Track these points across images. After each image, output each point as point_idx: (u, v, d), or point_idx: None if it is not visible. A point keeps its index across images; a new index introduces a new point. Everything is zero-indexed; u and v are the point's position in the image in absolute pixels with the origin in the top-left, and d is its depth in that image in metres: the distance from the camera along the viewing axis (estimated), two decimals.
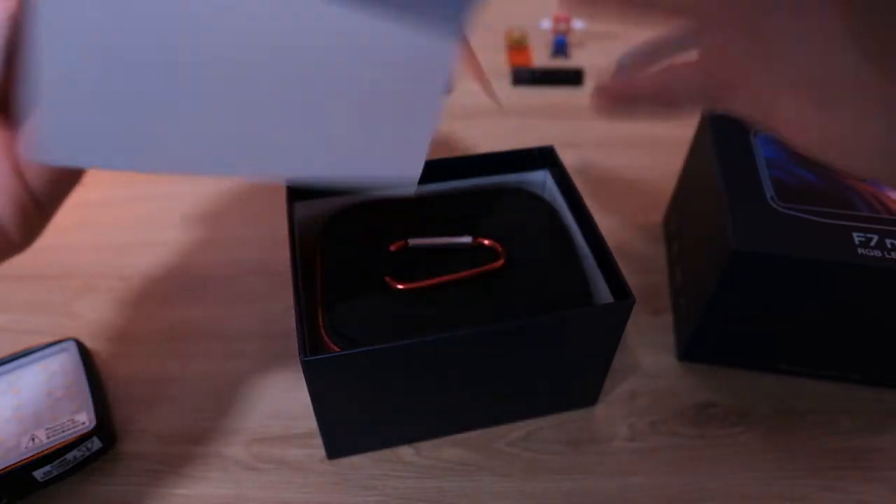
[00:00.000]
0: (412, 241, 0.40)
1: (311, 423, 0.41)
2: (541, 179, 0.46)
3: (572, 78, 0.70)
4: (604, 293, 0.38)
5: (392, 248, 0.40)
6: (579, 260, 0.40)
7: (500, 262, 0.39)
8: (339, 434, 0.38)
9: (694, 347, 0.44)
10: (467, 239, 0.40)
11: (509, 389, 0.38)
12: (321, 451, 0.40)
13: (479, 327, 0.33)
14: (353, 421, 0.37)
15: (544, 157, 0.45)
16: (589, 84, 0.70)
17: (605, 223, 0.55)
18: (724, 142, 0.44)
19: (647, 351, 0.46)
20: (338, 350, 0.34)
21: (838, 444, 0.41)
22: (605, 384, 0.44)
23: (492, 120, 0.66)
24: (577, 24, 0.74)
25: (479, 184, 0.45)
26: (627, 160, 0.61)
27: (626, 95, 0.29)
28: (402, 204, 0.43)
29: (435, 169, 0.44)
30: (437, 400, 0.38)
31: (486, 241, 0.40)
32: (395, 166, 0.29)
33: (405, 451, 0.40)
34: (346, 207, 0.43)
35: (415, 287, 0.37)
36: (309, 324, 0.37)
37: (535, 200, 0.44)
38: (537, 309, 0.37)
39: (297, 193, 0.42)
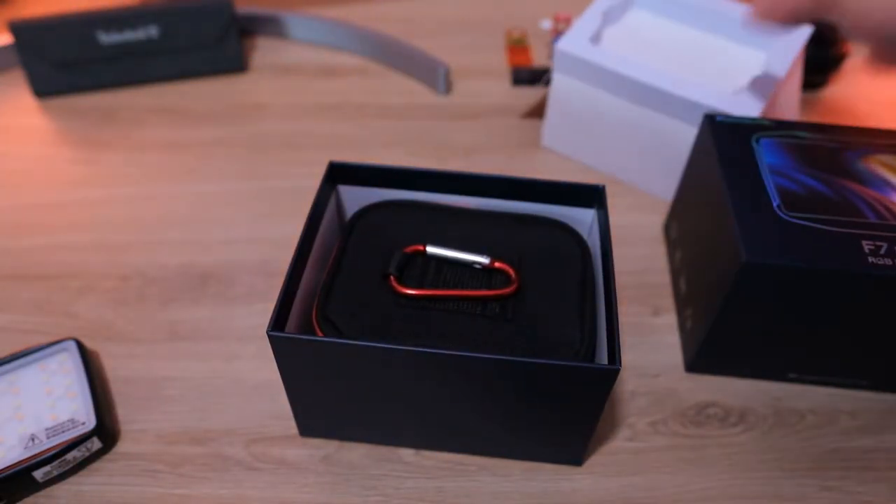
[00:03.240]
0: (430, 249, 0.39)
1: None
2: (589, 219, 0.43)
3: None
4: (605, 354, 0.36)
5: (407, 250, 0.39)
6: (594, 309, 0.38)
7: (510, 290, 0.37)
8: (308, 413, 0.38)
9: (702, 359, 0.44)
10: (485, 259, 0.39)
11: (478, 423, 0.37)
12: (321, 452, 0.40)
13: (438, 349, 0.32)
14: (321, 403, 0.37)
15: (594, 196, 0.42)
16: None
17: None
18: (726, 148, 0.43)
19: (648, 351, 0.46)
20: (320, 335, 0.34)
21: (838, 444, 0.41)
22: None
23: (492, 120, 0.66)
24: None
25: (523, 208, 0.44)
26: None
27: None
28: (437, 211, 0.42)
29: (480, 184, 0.42)
30: (397, 409, 0.37)
31: (502, 265, 0.39)
32: None
33: (405, 451, 0.40)
34: (380, 203, 0.43)
35: (415, 294, 0.37)
36: (308, 305, 0.38)
37: (573, 239, 0.41)
38: (525, 347, 0.35)
39: (339, 177, 0.42)
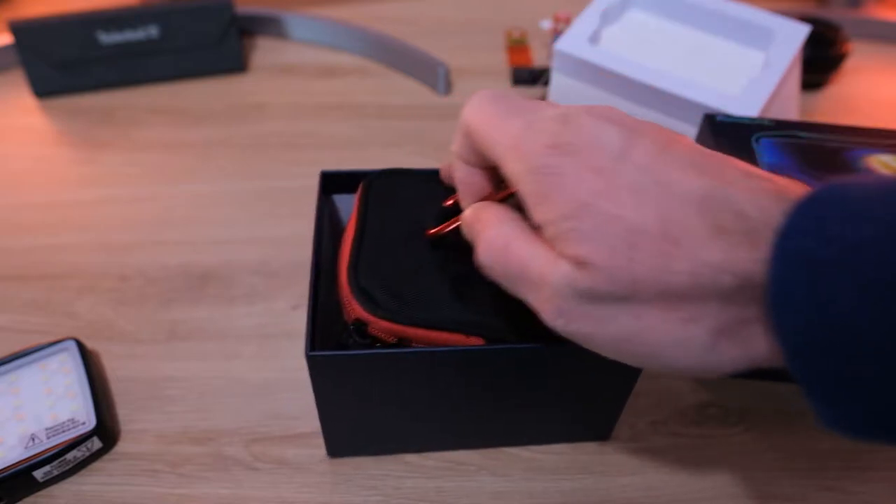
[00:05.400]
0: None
1: (311, 423, 0.41)
2: None
3: None
4: None
5: (446, 203, 0.36)
6: None
7: None
8: (340, 433, 0.38)
9: None
10: None
11: (517, 412, 0.38)
12: (321, 451, 0.40)
13: (484, 347, 0.32)
14: (355, 422, 0.37)
15: None
16: None
17: None
18: (726, 148, 0.43)
19: None
20: (364, 312, 0.32)
21: (838, 444, 0.41)
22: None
23: None
24: None
25: None
26: None
27: None
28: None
29: None
30: (443, 413, 0.37)
31: None
32: None
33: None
34: (389, 171, 0.40)
35: (455, 262, 0.34)
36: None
37: None
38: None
39: (332, 186, 0.42)
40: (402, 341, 0.32)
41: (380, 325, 0.32)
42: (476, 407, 0.37)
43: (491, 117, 0.27)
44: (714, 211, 0.22)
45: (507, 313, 0.33)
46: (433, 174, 0.39)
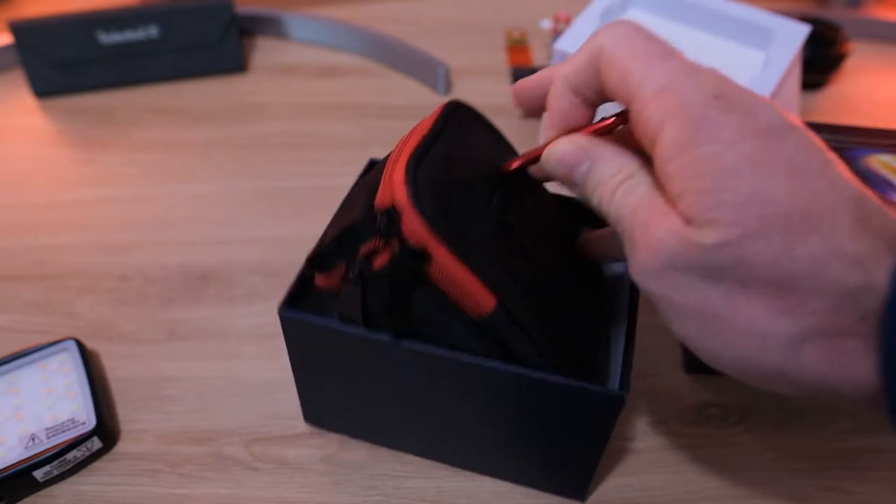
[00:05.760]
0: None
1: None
2: None
3: None
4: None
5: (511, 165, 0.33)
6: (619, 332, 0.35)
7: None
8: (315, 401, 0.38)
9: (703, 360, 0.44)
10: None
11: (478, 434, 0.36)
12: (321, 451, 0.40)
13: (437, 351, 0.30)
14: (328, 394, 0.36)
15: None
16: None
17: None
18: None
19: (647, 351, 0.46)
20: (406, 198, 0.28)
21: (838, 444, 0.41)
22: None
23: (492, 119, 0.66)
24: None
25: None
26: None
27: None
28: None
29: None
30: (408, 412, 0.36)
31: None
32: None
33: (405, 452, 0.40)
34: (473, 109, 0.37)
35: (508, 215, 0.32)
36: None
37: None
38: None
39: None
40: (421, 256, 0.28)
41: (413, 221, 0.27)
42: (440, 416, 0.35)
43: (642, 52, 0.24)
44: (864, 205, 0.21)
45: (537, 301, 0.30)
46: (501, 136, 0.37)
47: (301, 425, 0.41)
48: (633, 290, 0.36)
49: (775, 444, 0.41)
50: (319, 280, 0.32)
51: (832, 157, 0.23)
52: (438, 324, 0.30)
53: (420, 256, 0.28)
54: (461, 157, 0.32)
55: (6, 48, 0.69)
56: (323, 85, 0.70)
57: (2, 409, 0.39)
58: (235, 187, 0.58)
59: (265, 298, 0.49)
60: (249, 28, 0.77)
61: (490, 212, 0.31)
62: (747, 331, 0.22)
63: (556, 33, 0.73)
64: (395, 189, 0.28)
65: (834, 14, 0.80)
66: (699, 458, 0.40)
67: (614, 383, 0.33)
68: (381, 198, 0.29)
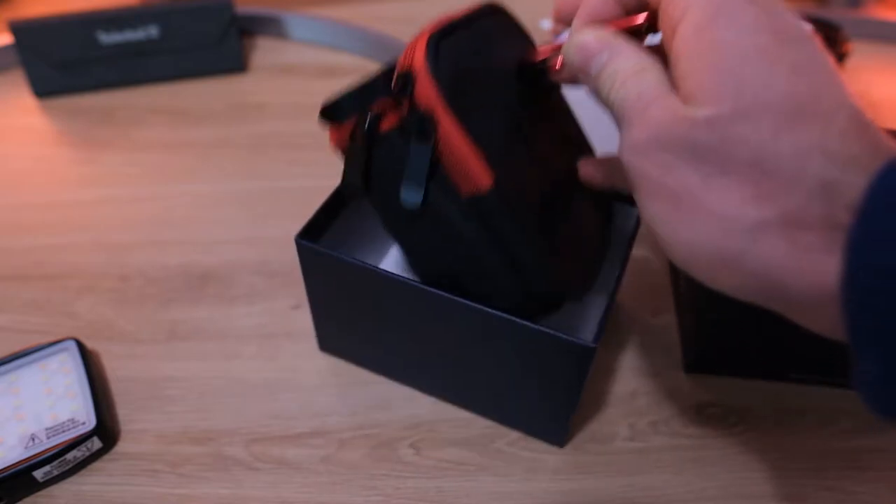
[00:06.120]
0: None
1: (311, 423, 0.41)
2: None
3: None
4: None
5: (534, 55, 0.32)
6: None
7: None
8: (328, 329, 0.41)
9: (702, 359, 0.44)
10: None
11: (472, 372, 0.38)
12: (321, 451, 0.40)
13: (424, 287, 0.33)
14: (340, 322, 0.40)
15: None
16: None
17: None
18: None
19: (647, 351, 0.46)
20: (424, 63, 0.29)
21: (838, 444, 0.41)
22: (607, 387, 0.44)
23: None
24: None
25: None
26: None
27: None
28: None
29: None
30: (410, 346, 0.39)
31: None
32: None
33: (405, 451, 0.40)
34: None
35: (522, 111, 0.32)
36: None
37: None
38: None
39: None
40: (428, 121, 0.29)
41: (426, 86, 0.28)
42: (437, 351, 0.38)
43: None
44: (860, 118, 0.22)
45: (536, 196, 0.31)
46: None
47: (301, 425, 0.41)
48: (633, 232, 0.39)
49: (775, 444, 0.41)
50: (332, 136, 0.33)
51: (842, 77, 0.23)
52: (432, 203, 0.31)
53: (427, 121, 0.28)
54: (487, 48, 0.32)
55: (6, 48, 0.69)
56: (323, 85, 0.70)
57: (2, 409, 0.39)
58: (235, 187, 0.58)
59: (265, 298, 0.49)
60: (249, 28, 0.77)
61: (505, 103, 0.32)
62: (715, 214, 0.22)
63: (557, 33, 0.73)
64: (415, 54, 0.29)
65: (834, 14, 0.80)
66: (699, 458, 0.40)
67: (592, 329, 0.36)
68: (401, 62, 0.30)
